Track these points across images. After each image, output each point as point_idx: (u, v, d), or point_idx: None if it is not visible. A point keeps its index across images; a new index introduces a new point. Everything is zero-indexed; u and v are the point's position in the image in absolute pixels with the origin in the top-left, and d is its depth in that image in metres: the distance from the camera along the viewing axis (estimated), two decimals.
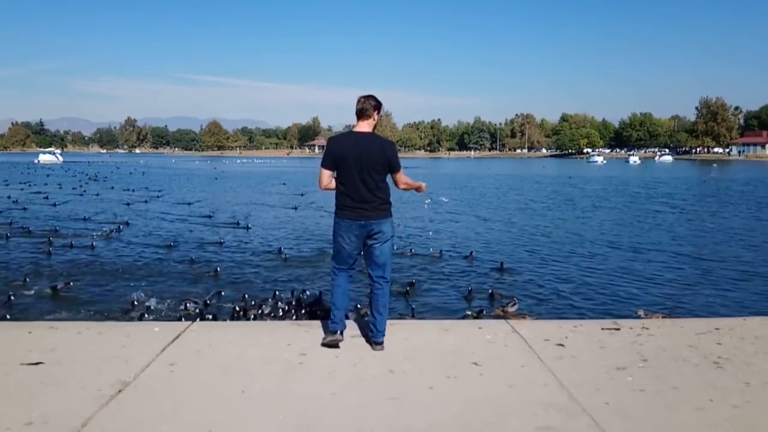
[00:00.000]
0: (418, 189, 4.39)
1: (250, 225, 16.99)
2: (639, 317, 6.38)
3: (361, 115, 4.11)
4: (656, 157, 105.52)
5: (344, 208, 4.09)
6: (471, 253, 12.38)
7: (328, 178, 4.14)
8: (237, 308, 7.39)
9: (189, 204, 23.90)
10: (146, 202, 24.88)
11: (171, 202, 25.24)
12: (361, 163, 3.97)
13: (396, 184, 4.26)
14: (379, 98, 4.17)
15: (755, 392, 3.38)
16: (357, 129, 4.13)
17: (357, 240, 4.13)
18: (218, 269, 10.22)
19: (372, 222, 4.06)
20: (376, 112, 4.13)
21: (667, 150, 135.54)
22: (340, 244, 4.16)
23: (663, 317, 6.57)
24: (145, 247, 13.09)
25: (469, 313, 7.81)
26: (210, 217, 19.38)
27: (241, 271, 10.74)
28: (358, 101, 4.13)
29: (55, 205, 22.71)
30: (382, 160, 4.02)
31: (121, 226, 16.19)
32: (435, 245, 13.63)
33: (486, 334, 4.47)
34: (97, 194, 28.93)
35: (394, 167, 4.11)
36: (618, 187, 36.69)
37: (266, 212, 21.55)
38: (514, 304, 7.92)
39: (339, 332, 4.13)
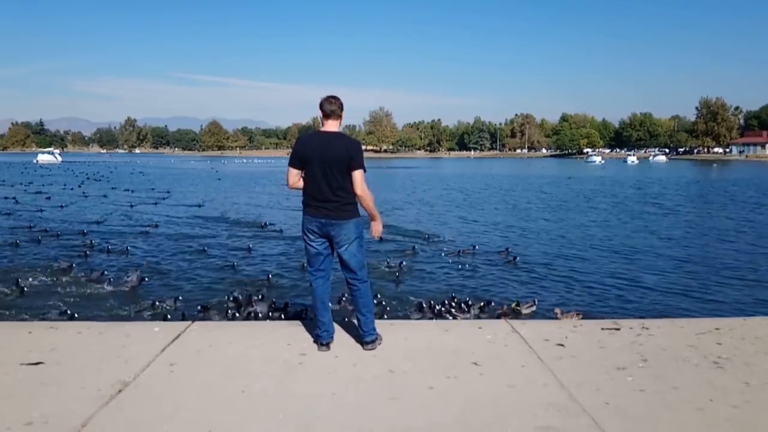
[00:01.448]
0: (372, 218, 4.20)
1: (277, 228, 16.64)
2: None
3: (330, 115, 4.10)
4: (650, 157, 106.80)
5: (308, 206, 4.11)
6: (506, 249, 12.93)
7: (295, 177, 4.15)
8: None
9: (199, 206, 23.38)
10: (156, 204, 24.57)
11: (181, 204, 24.79)
12: (326, 163, 3.97)
13: (353, 184, 4.02)
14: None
15: (755, 392, 3.38)
16: (325, 129, 4.12)
17: (320, 238, 4.12)
18: (270, 276, 9.99)
19: (332, 222, 4.04)
20: (342, 111, 4.16)
21: (666, 150, 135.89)
22: (306, 242, 4.18)
23: (575, 315, 6.76)
24: (179, 252, 12.75)
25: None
26: (227, 219, 19.08)
27: (293, 277, 10.44)
28: (328, 102, 4.09)
29: (62, 207, 22.46)
30: (347, 159, 3.99)
31: (149, 229, 15.88)
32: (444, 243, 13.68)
33: (486, 334, 4.47)
34: (105, 195, 28.57)
35: (353, 164, 4.00)
36: (610, 188, 36.82)
37: (282, 214, 21.07)
38: (532, 305, 7.88)
39: (325, 344, 4.13)
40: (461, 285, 9.94)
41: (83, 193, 30.32)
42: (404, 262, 11.21)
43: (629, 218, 20.36)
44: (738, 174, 56.95)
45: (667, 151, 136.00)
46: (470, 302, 7.97)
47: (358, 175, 4.01)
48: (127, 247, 12.83)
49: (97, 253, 12.47)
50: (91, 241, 13.54)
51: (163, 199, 27.09)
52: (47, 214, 20.07)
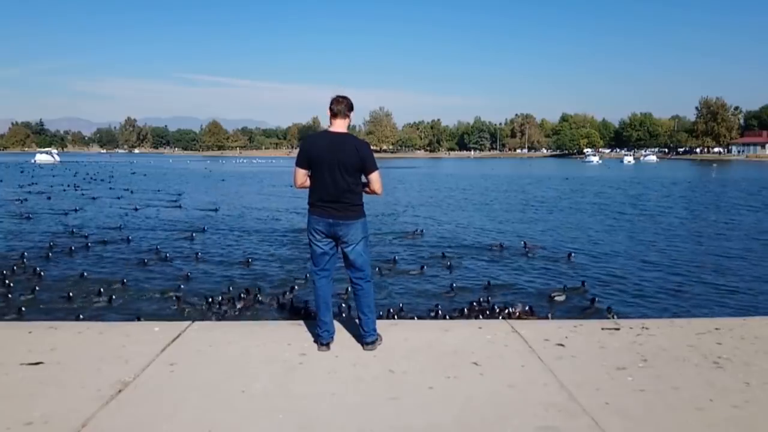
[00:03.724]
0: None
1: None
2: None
3: (337, 115, 4.09)
4: (642, 157, 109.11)
5: (315, 206, 4.11)
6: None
7: (302, 176, 4.15)
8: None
9: (215, 210, 22.25)
10: (175, 207, 23.78)
11: (194, 207, 23.57)
12: (335, 164, 3.97)
13: (371, 184, 4.12)
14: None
15: (755, 392, 3.38)
16: (333, 129, 4.11)
17: (327, 238, 4.13)
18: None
19: (340, 222, 4.05)
20: (350, 111, 4.15)
21: (665, 150, 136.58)
22: (312, 242, 4.19)
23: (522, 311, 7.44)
24: (226, 264, 11.81)
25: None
26: (262, 225, 18.09)
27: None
28: (336, 102, 4.09)
29: (76, 210, 21.65)
30: (356, 160, 4.00)
31: (193, 234, 15.24)
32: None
33: (486, 334, 4.47)
34: (119, 198, 27.95)
35: (368, 167, 4.06)
36: (598, 188, 37.07)
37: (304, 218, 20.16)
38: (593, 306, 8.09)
39: (326, 344, 4.13)
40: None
41: (82, 194, 30.16)
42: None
43: (613, 219, 20.45)
44: (732, 174, 57.13)
45: (666, 151, 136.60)
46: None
47: (376, 176, 4.09)
48: (197, 253, 12.39)
49: (159, 262, 11.75)
50: (157, 247, 13.09)
51: (175, 201, 26.22)
52: (71, 219, 19.25)
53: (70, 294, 8.63)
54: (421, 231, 15.87)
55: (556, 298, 8.71)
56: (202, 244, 14.07)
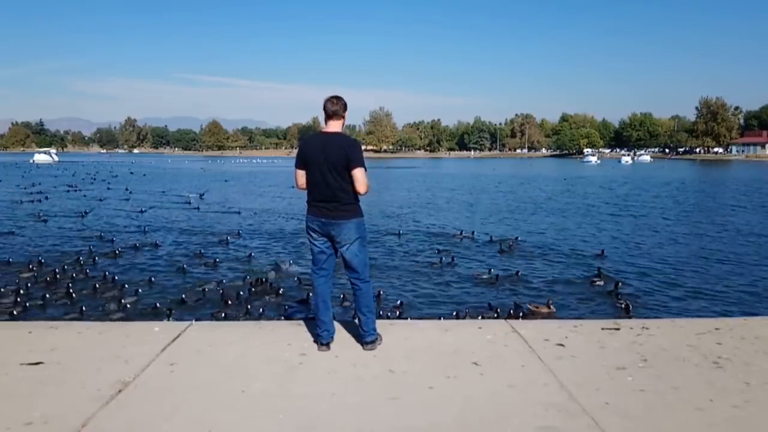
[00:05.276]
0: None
1: (401, 230, 16.30)
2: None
3: (332, 116, 4.11)
4: (637, 157, 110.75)
5: (310, 205, 4.16)
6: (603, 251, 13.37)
7: (301, 177, 4.18)
8: None
9: (238, 213, 21.85)
10: (195, 207, 23.47)
11: (213, 210, 22.98)
12: (325, 163, 3.99)
13: (355, 183, 4.00)
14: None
15: (755, 392, 3.37)
16: (326, 129, 4.14)
17: (322, 237, 4.15)
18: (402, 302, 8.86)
19: (332, 222, 4.06)
20: (344, 112, 4.17)
21: (664, 150, 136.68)
22: (310, 241, 4.23)
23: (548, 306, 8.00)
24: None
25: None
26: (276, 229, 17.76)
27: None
28: (330, 102, 4.10)
29: (86, 213, 21.16)
30: (343, 159, 3.99)
31: (228, 238, 14.99)
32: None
33: (486, 334, 4.47)
34: (127, 199, 27.65)
35: (351, 164, 3.96)
36: (585, 188, 37.27)
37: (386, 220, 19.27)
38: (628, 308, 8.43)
39: (325, 344, 4.13)
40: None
41: (84, 195, 30.11)
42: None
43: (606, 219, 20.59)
44: (733, 174, 57.05)
45: (666, 151, 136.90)
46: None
47: (358, 173, 3.99)
48: (250, 254, 12.50)
49: (201, 266, 11.65)
50: (200, 251, 12.88)
51: (189, 203, 25.60)
52: (89, 222, 18.97)
53: (157, 304, 8.73)
54: (472, 233, 16.02)
55: (596, 283, 10.00)
56: (246, 247, 13.95)
